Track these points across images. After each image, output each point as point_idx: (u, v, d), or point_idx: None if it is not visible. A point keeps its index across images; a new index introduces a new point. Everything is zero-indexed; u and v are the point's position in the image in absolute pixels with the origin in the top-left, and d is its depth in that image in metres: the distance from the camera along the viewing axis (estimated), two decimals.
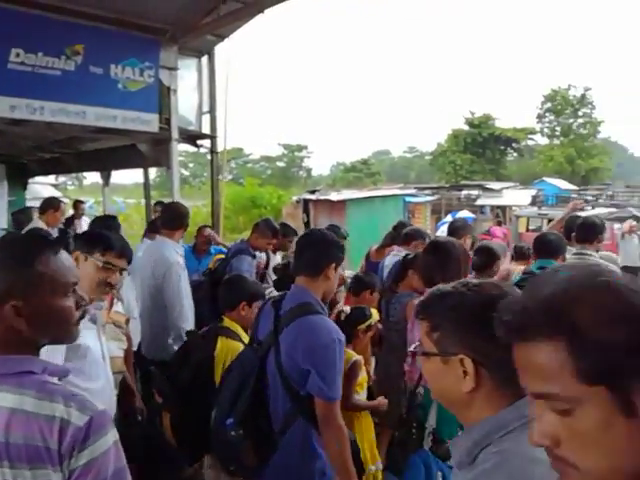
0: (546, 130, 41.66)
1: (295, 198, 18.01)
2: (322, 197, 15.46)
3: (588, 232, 3.84)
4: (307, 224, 14.37)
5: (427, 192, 21.98)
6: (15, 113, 5.21)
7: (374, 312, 3.16)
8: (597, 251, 3.97)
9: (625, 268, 6.22)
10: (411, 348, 1.28)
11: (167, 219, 3.81)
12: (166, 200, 7.18)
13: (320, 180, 58.40)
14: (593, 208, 13.92)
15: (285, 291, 2.27)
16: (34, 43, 5.26)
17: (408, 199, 17.15)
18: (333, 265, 2.18)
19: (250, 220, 18.87)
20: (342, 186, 39.62)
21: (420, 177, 56.10)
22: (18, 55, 5.16)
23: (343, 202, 14.68)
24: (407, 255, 3.70)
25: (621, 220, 13.10)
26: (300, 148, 56.56)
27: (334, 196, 15.48)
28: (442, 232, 15.47)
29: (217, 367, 2.61)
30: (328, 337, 2.02)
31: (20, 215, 6.44)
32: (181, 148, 8.28)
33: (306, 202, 15.79)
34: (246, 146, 57.74)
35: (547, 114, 41.37)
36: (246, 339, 2.61)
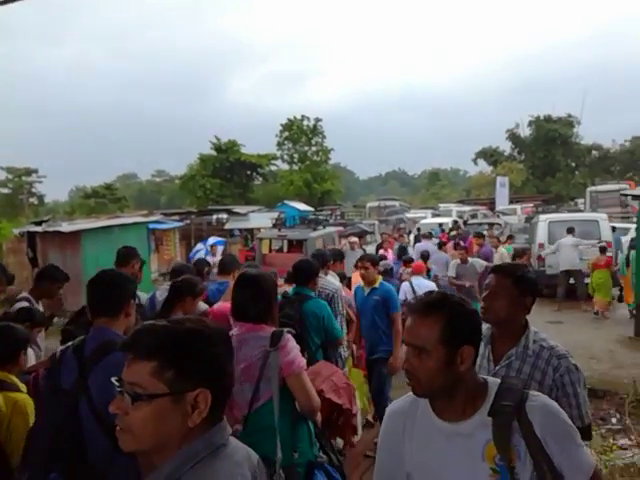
0: (285, 157, 45.15)
1: (17, 231, 15.55)
2: (50, 229, 13.60)
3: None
4: (33, 260, 12.51)
5: (175, 218, 21.55)
6: None
7: None
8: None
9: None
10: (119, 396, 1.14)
11: None
12: None
13: (56, 207, 52.44)
14: (324, 227, 15.37)
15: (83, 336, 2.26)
16: None
17: (153, 226, 16.45)
18: (132, 302, 2.32)
19: None
20: (83, 213, 36.25)
21: (171, 202, 55.02)
22: None
23: (77, 233, 13.17)
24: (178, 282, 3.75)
25: (356, 235, 14.81)
26: (29, 172, 49.73)
27: (65, 227, 13.79)
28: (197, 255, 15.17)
29: (2, 425, 2.44)
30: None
31: None
32: None
33: (32, 235, 13.72)
34: None
35: (286, 142, 44.90)
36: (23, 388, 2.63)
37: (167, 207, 42.44)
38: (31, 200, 49.39)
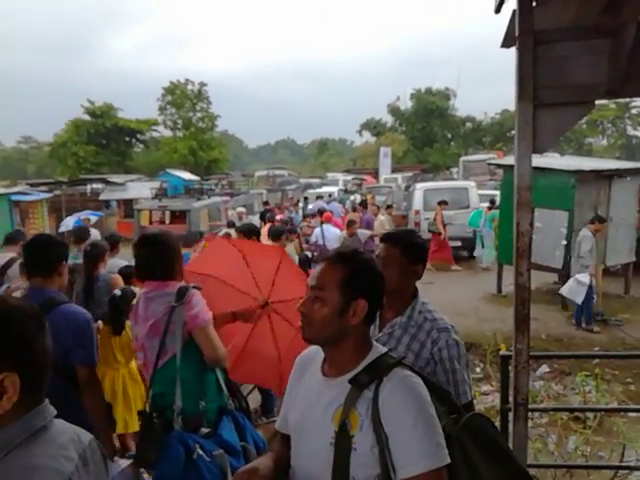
0: (169, 122, 42.97)
1: None
2: None
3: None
4: None
5: (43, 189, 19.71)
6: None
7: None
8: None
9: None
10: None
11: None
12: None
13: None
14: (209, 197, 14.93)
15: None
16: None
17: (16, 198, 14.92)
18: (64, 263, 2.63)
19: None
20: None
21: (41, 171, 50.26)
22: None
23: None
24: None
25: (242, 204, 14.54)
26: None
27: None
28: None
29: None
30: (83, 317, 2.56)
31: None
32: None
33: None
34: None
35: (168, 107, 42.66)
36: None
37: (36, 177, 38.71)
38: None
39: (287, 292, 3.40)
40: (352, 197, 21.31)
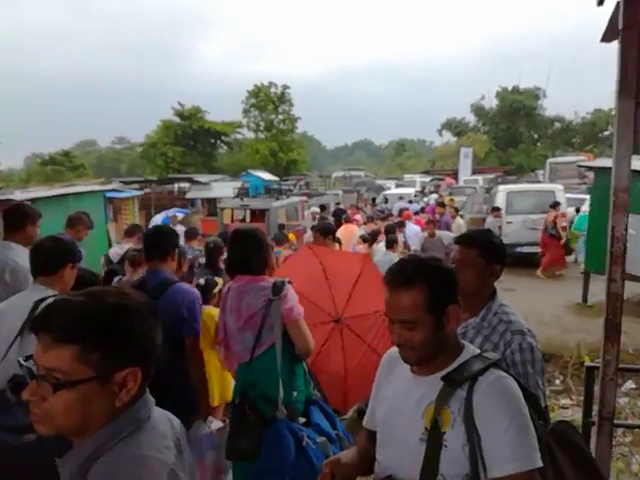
0: (251, 125, 44.32)
1: None
2: (3, 197, 13.10)
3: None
4: None
5: (134, 186, 20.99)
6: None
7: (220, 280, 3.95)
8: None
9: None
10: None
11: None
12: None
13: (11, 175, 50.34)
14: (288, 197, 15.27)
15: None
16: None
17: (110, 195, 15.97)
18: (176, 250, 3.06)
19: None
20: (40, 181, 34.97)
21: (132, 170, 53.47)
22: None
23: (30, 202, 12.72)
24: None
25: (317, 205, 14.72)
26: None
27: (19, 195, 13.28)
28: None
29: None
30: (194, 294, 2.89)
31: None
32: None
33: None
34: None
35: (252, 109, 44.00)
36: None
37: (128, 175, 41.16)
38: None
39: (363, 306, 3.40)
40: (425, 199, 20.94)
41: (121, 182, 21.56)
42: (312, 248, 3.78)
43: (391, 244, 7.31)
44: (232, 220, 14.14)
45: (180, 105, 41.64)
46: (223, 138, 44.39)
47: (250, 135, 44.63)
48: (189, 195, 21.22)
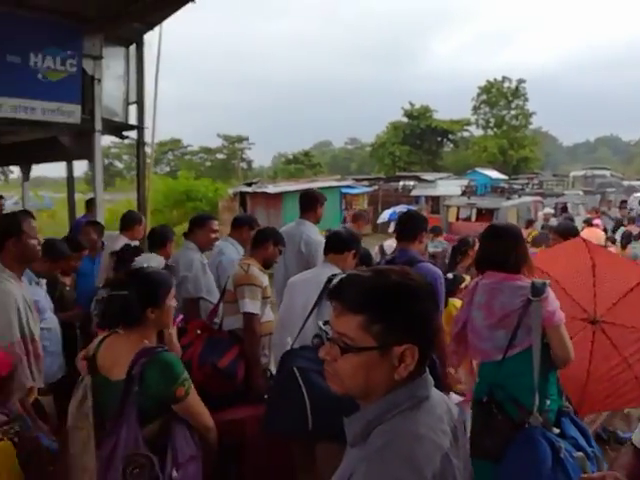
0: (481, 121, 43.09)
1: (231, 191, 17.79)
2: (259, 190, 15.36)
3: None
4: (234, 218, 14.30)
5: (364, 183, 22.38)
6: None
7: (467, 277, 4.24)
8: None
9: None
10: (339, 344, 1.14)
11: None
12: (91, 195, 6.93)
13: (261, 172, 57.92)
14: (520, 197, 14.60)
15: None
16: None
17: (345, 190, 17.40)
18: (424, 233, 3.42)
19: (184, 214, 18.46)
20: (283, 178, 39.59)
21: (361, 168, 56.75)
22: None
23: (280, 195, 14.67)
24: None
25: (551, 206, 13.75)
26: (240, 139, 55.76)
27: (271, 189, 15.42)
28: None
29: None
30: (437, 273, 3.24)
31: None
32: (115, 140, 8.05)
33: (243, 195, 15.64)
34: (185, 138, 56.38)
35: (482, 106, 42.77)
36: None
37: (357, 174, 43.90)
38: (241, 165, 55.48)
39: (630, 318, 3.12)
40: None
41: (353, 179, 23.19)
42: (586, 242, 3.58)
43: None
44: (457, 218, 14.14)
45: (410, 105, 42.69)
46: (449, 136, 44.12)
47: (478, 132, 43.49)
48: (414, 192, 21.78)
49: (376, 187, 22.94)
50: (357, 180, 23.18)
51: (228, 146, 55.88)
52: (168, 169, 51.01)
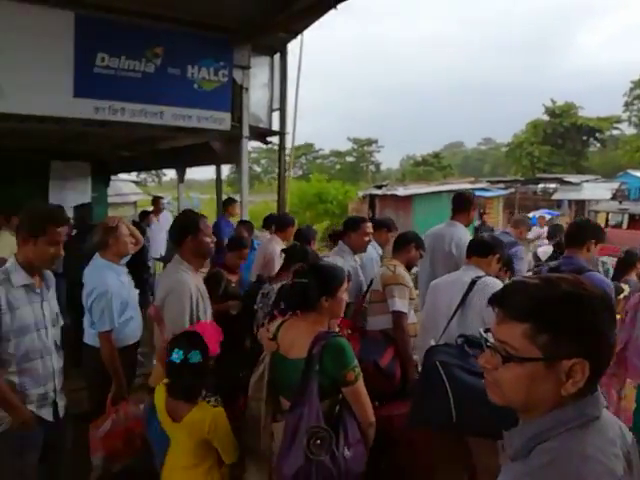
0: (634, 119, 38.94)
1: (361, 193, 17.97)
2: (388, 192, 15.34)
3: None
4: (372, 220, 14.41)
5: (500, 186, 21.29)
6: (98, 114, 5.60)
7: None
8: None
9: None
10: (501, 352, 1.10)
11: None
12: (237, 196, 7.42)
13: (389, 174, 57.91)
14: None
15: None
16: (118, 47, 5.58)
17: (478, 193, 16.67)
18: (593, 241, 3.19)
19: (316, 215, 19.06)
20: (411, 180, 39.16)
21: (494, 170, 54.25)
22: (103, 59, 5.52)
23: (410, 197, 14.52)
24: None
25: None
26: (370, 142, 56.31)
27: (401, 191, 15.32)
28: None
29: None
30: (606, 284, 3.06)
31: (81, 209, 6.60)
32: (254, 145, 8.56)
33: (372, 197, 15.74)
34: (317, 141, 58.32)
35: (635, 102, 38.65)
36: None
37: (489, 176, 42.01)
38: (370, 167, 55.96)
39: None
40: None
41: (488, 182, 22.22)
42: None
43: None
44: (606, 225, 12.90)
45: (552, 102, 39.86)
46: (597, 135, 40.42)
47: (630, 131, 39.30)
48: (555, 196, 20.28)
49: (512, 190, 21.73)
50: (491, 182, 22.13)
51: (357, 149, 56.68)
52: (301, 172, 53.10)
